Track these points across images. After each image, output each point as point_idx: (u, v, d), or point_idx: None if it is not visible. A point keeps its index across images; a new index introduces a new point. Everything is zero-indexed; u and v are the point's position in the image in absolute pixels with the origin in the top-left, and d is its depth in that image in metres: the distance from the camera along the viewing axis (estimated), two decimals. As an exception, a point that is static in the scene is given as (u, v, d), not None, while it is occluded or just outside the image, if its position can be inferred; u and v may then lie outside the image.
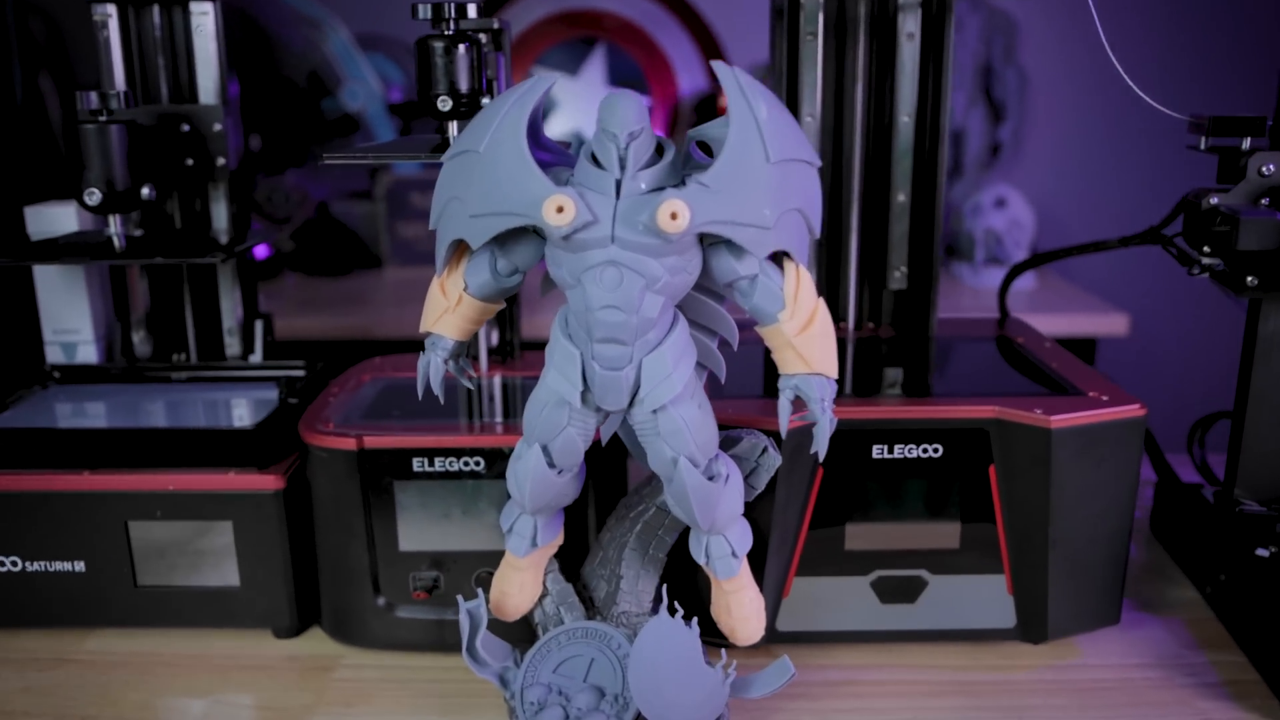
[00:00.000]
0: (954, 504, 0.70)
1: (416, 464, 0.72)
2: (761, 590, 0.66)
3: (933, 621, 0.72)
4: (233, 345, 0.92)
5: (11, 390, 0.87)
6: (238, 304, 0.92)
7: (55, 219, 0.89)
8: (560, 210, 0.52)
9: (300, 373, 0.90)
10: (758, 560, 0.68)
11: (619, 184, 0.54)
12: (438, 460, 0.72)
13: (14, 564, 0.76)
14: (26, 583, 0.77)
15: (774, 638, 0.72)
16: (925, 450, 0.69)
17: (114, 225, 0.81)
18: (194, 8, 0.86)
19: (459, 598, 0.64)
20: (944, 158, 0.83)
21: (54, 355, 0.92)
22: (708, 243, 0.56)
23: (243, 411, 0.85)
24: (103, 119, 0.78)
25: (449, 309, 0.60)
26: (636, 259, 0.54)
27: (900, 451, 0.69)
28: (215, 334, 0.93)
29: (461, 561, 0.74)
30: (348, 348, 1.67)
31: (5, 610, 0.78)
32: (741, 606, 0.64)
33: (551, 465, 0.60)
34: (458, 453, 0.71)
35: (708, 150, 0.58)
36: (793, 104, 0.84)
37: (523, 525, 0.64)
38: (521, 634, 0.69)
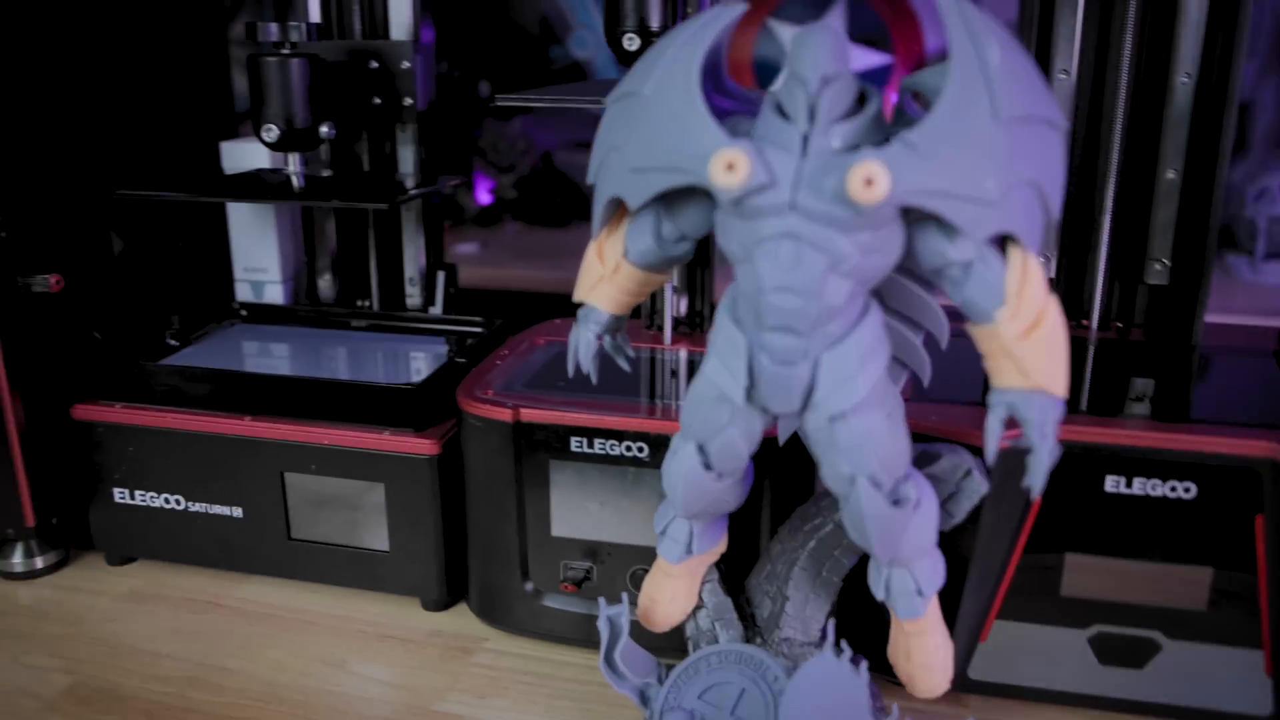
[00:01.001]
0: (1205, 557, 0.57)
1: (575, 443, 0.65)
2: (954, 628, 0.56)
3: (1164, 694, 0.59)
4: (414, 295, 0.89)
5: (201, 324, 0.87)
6: (420, 252, 0.88)
7: (249, 155, 0.88)
8: (730, 168, 0.43)
9: (477, 329, 0.85)
10: (952, 593, 0.57)
11: (806, 139, 0.44)
12: (597, 441, 0.65)
13: (177, 502, 0.75)
14: (188, 522, 0.75)
15: (965, 685, 0.62)
16: (1174, 489, 0.56)
17: (293, 164, 0.77)
18: (394, -61, 0.82)
19: (601, 600, 0.57)
20: (1230, 129, 0.68)
21: (243, 293, 0.91)
22: (914, 218, 0.46)
23: (410, 367, 0.81)
24: (284, 52, 0.74)
25: (604, 277, 0.53)
26: (820, 233, 0.44)
27: (1141, 487, 0.56)
28: (400, 282, 0.89)
29: (617, 554, 0.67)
30: (556, 300, 1.64)
31: (168, 546, 0.77)
32: (924, 653, 0.54)
33: (708, 468, 0.51)
34: (620, 435, 0.64)
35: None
36: (1043, 56, 0.71)
37: (677, 529, 0.57)
38: (672, 646, 0.61)
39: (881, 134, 0.45)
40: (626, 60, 0.65)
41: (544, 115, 2.04)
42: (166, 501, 0.75)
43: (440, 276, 0.88)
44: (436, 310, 0.88)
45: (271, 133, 0.74)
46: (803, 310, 0.45)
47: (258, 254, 0.89)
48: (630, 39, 0.64)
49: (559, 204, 1.98)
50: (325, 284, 0.90)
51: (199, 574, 0.78)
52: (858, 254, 0.44)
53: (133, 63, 0.83)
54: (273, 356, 0.83)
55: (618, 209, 0.52)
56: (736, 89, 0.51)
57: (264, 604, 0.75)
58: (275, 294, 0.90)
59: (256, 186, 0.80)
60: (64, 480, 0.77)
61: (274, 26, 0.73)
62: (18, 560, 0.78)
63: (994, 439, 0.47)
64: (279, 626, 0.72)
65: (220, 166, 0.88)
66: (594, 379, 0.55)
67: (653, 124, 0.47)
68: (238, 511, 0.74)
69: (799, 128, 0.44)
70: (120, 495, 0.76)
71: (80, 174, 0.79)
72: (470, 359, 0.77)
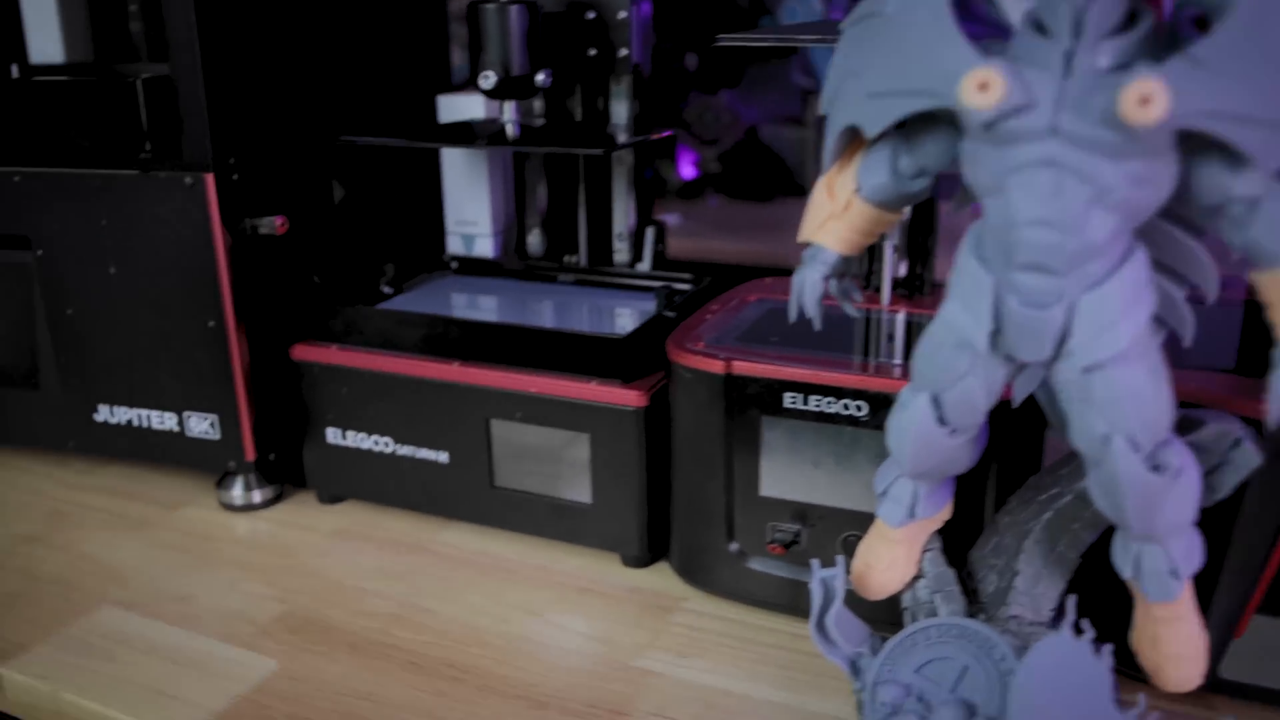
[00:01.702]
0: None
1: (788, 399, 0.62)
2: (1206, 619, 0.50)
3: None
4: (622, 251, 0.87)
5: (413, 274, 0.88)
6: (631, 209, 0.86)
7: (465, 108, 0.88)
8: (983, 87, 0.39)
9: (685, 286, 0.83)
10: (1205, 583, 0.51)
11: (1070, 57, 0.40)
12: (813, 398, 0.61)
13: (386, 445, 0.76)
14: (396, 465, 0.77)
15: (1214, 685, 0.56)
16: None
17: (508, 112, 0.77)
18: (616, -115, 0.80)
19: (814, 562, 0.54)
20: None
21: (454, 245, 0.92)
22: (1191, 147, 0.40)
23: (618, 320, 0.79)
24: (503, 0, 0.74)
25: (834, 214, 0.49)
26: (1085, 160, 0.40)
27: None
28: (608, 238, 0.88)
29: (828, 519, 0.63)
30: (758, 273, 1.60)
31: (376, 488, 0.78)
32: (1174, 641, 0.48)
33: (942, 422, 0.48)
34: (838, 392, 0.61)
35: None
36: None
37: (900, 490, 0.53)
38: (883, 616, 0.58)
39: (1155, 54, 0.40)
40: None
41: (750, 89, 2.01)
42: (376, 443, 0.77)
43: (650, 233, 0.86)
44: (644, 266, 0.86)
45: (489, 79, 0.74)
46: (1060, 246, 0.41)
47: (469, 207, 0.90)
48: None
49: (763, 178, 1.95)
50: (534, 239, 0.90)
51: (404, 517, 0.79)
52: (1126, 185, 0.40)
53: (358, 14, 0.85)
54: (482, 307, 0.83)
55: (851, 141, 0.48)
56: (985, 13, 0.47)
57: (466, 550, 0.75)
58: (485, 247, 0.90)
59: (472, 133, 0.81)
60: (282, 418, 0.79)
61: (496, -28, 0.73)
62: (237, 493, 0.81)
63: (1277, 401, 0.41)
64: (480, 573, 0.72)
65: (437, 119, 0.89)
66: (817, 324, 0.52)
67: (895, 45, 0.43)
68: (444, 457, 0.75)
69: (1061, 44, 0.40)
70: (333, 435, 0.78)
71: (306, 122, 0.81)
72: (679, 314, 0.75)
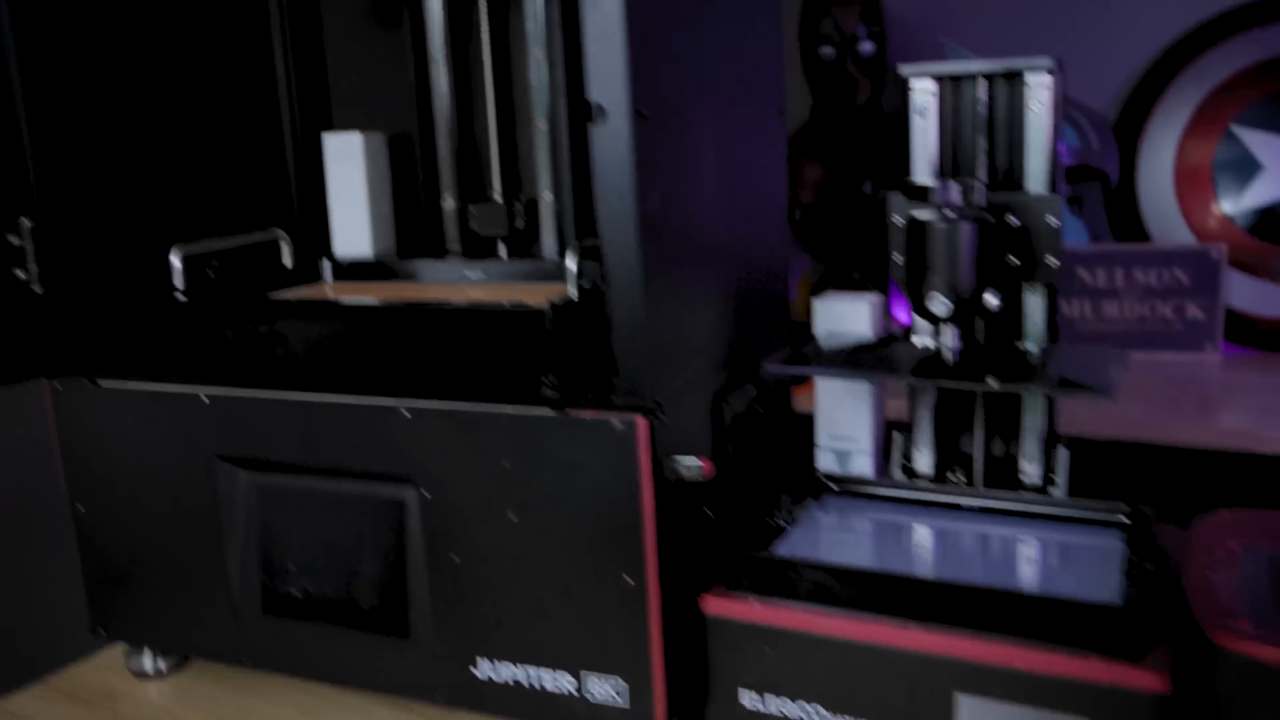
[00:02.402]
0: None
1: (1390, 703, 0.52)
2: None
3: None
4: (1030, 474, 0.78)
5: (783, 498, 0.80)
6: (1043, 426, 0.77)
7: (844, 315, 0.81)
8: None
9: (1118, 517, 0.74)
10: None
11: None
12: None
13: (818, 714, 0.67)
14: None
15: None
16: None
17: (948, 337, 0.70)
18: (1029, 78, 0.74)
19: None
20: None
21: (826, 462, 0.84)
22: None
23: (1080, 571, 0.70)
24: (950, 216, 0.67)
25: None
26: None
27: None
28: (1006, 454, 0.79)
29: None
30: (1167, 458, 1.27)
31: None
32: None
33: None
34: None
35: None
36: None
37: None
38: None
39: None
40: None
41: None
42: (804, 712, 0.68)
43: (1063, 453, 0.77)
44: (1059, 492, 0.77)
45: (941, 305, 0.66)
46: None
47: (846, 421, 0.82)
48: None
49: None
50: (919, 456, 0.82)
51: (833, 796, 0.69)
52: None
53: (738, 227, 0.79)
54: (898, 548, 0.75)
55: None
56: None
57: (920, 842, 0.65)
58: (863, 465, 0.82)
59: (899, 361, 0.73)
60: (690, 679, 0.71)
61: (954, 185, 0.66)
62: (629, 763, 0.72)
63: None
64: None
65: (810, 326, 0.83)
66: None
67: None
68: (891, 731, 0.65)
69: None
70: (749, 700, 0.69)
71: (712, 347, 0.74)
72: (1147, 562, 0.65)
